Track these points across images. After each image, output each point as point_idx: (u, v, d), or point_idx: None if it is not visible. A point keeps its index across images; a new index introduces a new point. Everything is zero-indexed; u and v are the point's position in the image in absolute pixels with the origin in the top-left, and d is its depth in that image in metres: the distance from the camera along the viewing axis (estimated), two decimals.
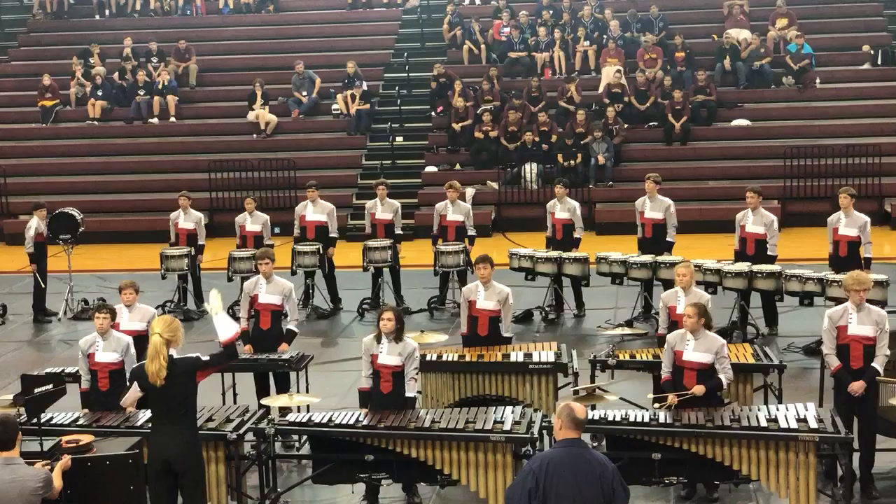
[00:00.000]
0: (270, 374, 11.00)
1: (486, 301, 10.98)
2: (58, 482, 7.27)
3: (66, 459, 7.49)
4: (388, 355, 9.34)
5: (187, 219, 16.08)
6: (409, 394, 9.36)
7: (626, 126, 22.46)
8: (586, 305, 15.21)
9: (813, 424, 8.62)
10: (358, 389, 9.55)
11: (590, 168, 21.65)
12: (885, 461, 9.86)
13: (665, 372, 9.47)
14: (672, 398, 9.14)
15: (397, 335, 9.35)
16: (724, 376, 9.27)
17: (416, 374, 9.47)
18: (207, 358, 8.09)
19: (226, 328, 8.11)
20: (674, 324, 10.75)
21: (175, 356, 7.95)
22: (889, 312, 9.64)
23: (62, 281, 16.28)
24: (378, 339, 9.39)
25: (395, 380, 9.33)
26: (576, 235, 15.17)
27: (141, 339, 10.68)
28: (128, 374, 9.51)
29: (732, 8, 24.96)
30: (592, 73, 24.27)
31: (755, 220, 13.96)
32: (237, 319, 11.36)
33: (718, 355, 9.27)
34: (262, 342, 11.14)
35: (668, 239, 14.69)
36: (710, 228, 17.83)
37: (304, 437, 10.00)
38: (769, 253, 13.88)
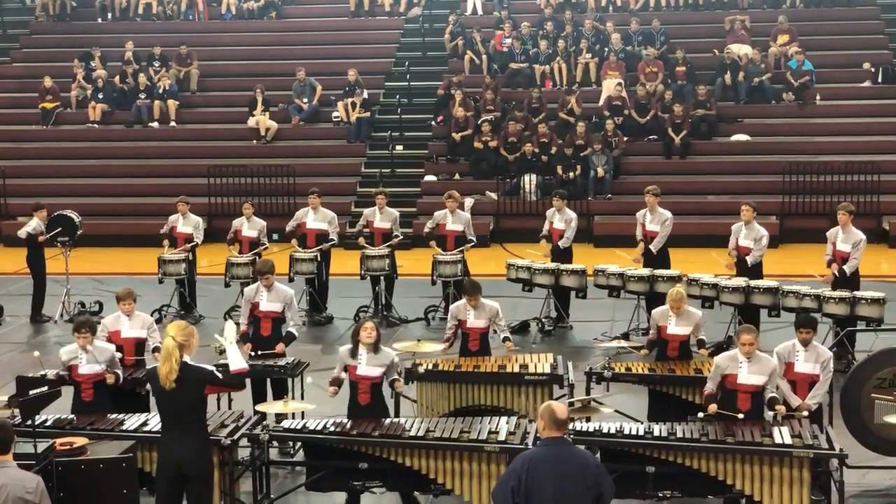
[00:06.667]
0: (267, 380, 11.00)
1: (477, 320, 11.08)
2: None
3: None
4: (368, 366, 9.36)
5: (186, 223, 16.07)
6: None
7: (625, 139, 22.48)
8: (583, 318, 15.19)
9: (808, 440, 8.63)
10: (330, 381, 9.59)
11: (589, 180, 21.67)
12: (879, 478, 9.87)
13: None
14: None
15: (375, 347, 9.37)
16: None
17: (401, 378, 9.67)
18: (220, 376, 8.10)
19: (237, 359, 8.16)
20: (663, 342, 10.79)
21: (188, 362, 7.92)
22: (888, 330, 9.65)
23: (59, 283, 16.26)
24: (354, 352, 9.39)
25: (373, 391, 9.37)
26: (560, 244, 15.24)
27: (142, 346, 10.76)
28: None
29: (734, 23, 24.99)
30: (593, 85, 24.30)
31: (747, 233, 14.06)
32: (237, 325, 11.35)
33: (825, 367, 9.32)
34: (262, 349, 11.11)
35: (649, 245, 14.76)
36: (709, 243, 17.75)
37: (299, 444, 9.99)
38: (749, 260, 13.97)
